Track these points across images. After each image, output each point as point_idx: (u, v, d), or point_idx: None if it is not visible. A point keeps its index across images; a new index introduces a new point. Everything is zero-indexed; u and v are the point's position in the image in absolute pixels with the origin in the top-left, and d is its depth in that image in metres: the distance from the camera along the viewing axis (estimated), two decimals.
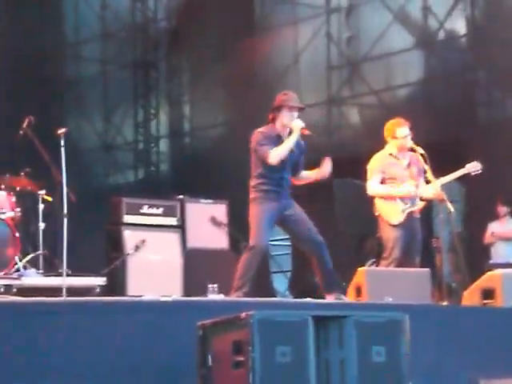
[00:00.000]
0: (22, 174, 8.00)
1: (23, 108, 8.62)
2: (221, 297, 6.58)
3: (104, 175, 13.71)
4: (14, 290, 7.14)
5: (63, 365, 4.92)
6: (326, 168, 6.47)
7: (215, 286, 6.83)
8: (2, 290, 7.07)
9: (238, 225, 8.67)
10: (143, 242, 8.26)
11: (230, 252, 8.59)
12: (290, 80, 11.55)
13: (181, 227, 8.61)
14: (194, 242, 8.60)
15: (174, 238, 8.54)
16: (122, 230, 8.34)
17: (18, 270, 7.44)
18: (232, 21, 11.89)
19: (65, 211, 6.67)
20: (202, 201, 8.84)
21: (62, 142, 6.97)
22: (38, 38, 11.64)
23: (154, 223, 8.52)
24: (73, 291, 6.91)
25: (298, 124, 6.35)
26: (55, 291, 6.76)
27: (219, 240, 8.65)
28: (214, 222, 8.65)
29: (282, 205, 6.41)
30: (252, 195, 6.44)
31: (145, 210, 8.55)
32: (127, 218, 8.41)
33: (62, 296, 6.47)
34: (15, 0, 11.74)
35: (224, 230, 8.67)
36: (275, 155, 6.32)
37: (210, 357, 4.71)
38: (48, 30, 12.18)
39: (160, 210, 8.60)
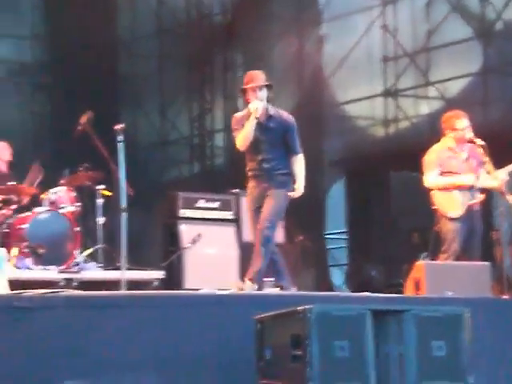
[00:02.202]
0: (81, 169, 8.12)
1: (81, 104, 8.71)
2: (277, 290, 6.57)
3: (160, 170, 13.80)
4: (75, 283, 7.25)
5: (122, 358, 4.97)
6: (295, 194, 6.35)
7: (271, 279, 6.83)
8: (63, 283, 7.18)
9: (293, 218, 8.66)
10: (199, 235, 8.31)
11: (285, 245, 8.58)
12: (344, 72, 11.47)
13: (236, 221, 8.64)
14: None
15: (229, 231, 8.57)
16: (178, 224, 8.40)
17: (78, 264, 7.55)
18: (285, 13, 11.86)
19: (123, 205, 6.74)
20: None
21: (120, 138, 7.04)
22: (94, 35, 11.76)
23: (210, 217, 8.56)
24: (132, 285, 7.00)
25: (252, 106, 6.21)
26: (114, 285, 6.86)
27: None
28: None
29: (263, 189, 6.31)
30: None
31: (201, 204, 8.60)
32: (183, 213, 8.47)
33: (121, 289, 6.55)
34: None
35: (279, 224, 8.66)
36: (238, 141, 6.26)
37: (268, 350, 4.71)
38: (105, 26, 12.31)
39: (216, 204, 8.64)
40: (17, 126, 11.45)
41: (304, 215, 8.56)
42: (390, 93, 11.43)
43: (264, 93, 6.28)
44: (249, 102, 6.28)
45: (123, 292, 6.26)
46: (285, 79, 12.07)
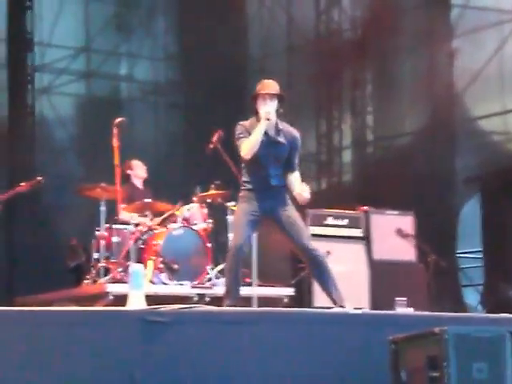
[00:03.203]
0: (213, 186, 8.26)
1: (212, 122, 8.88)
2: (410, 310, 6.46)
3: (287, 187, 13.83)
4: (207, 299, 7.37)
5: (254, 374, 5.01)
6: (302, 194, 5.93)
7: (404, 299, 6.72)
8: (196, 299, 7.32)
9: (425, 236, 8.51)
10: (328, 253, 8.27)
11: (417, 264, 8.43)
12: (477, 86, 11.20)
13: (366, 239, 8.57)
14: (380, 253, 8.53)
15: (359, 249, 8.51)
16: None
17: (210, 280, 7.68)
18: (416, 28, 11.70)
19: None
20: (388, 212, 8.75)
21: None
22: (225, 54, 11.98)
23: (339, 234, 8.52)
24: (262, 301, 7.05)
25: (264, 110, 5.87)
26: (245, 301, 6.92)
27: (406, 252, 8.52)
28: (401, 233, 8.53)
29: (268, 205, 5.93)
30: (239, 194, 6.09)
31: (329, 221, 8.58)
32: (312, 229, 8.46)
33: (252, 306, 6.60)
34: (203, 17, 12.16)
35: (411, 242, 8.53)
36: (245, 147, 5.88)
37: (403, 372, 4.64)
38: (235, 45, 12.51)
39: (345, 222, 8.60)
40: (151, 144, 11.80)
41: (436, 234, 8.41)
42: None
43: (275, 103, 5.98)
44: (257, 111, 5.99)
45: (255, 308, 6.31)
46: (415, 95, 11.90)
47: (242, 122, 6.06)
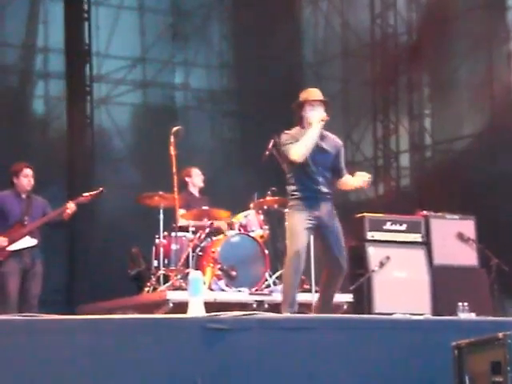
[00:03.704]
0: (269, 193, 8.27)
1: (268, 129, 8.90)
2: (472, 315, 6.36)
3: (345, 192, 13.78)
4: (266, 305, 7.37)
5: (312, 379, 4.98)
6: (360, 178, 6.06)
7: (466, 304, 6.63)
8: (255, 305, 7.33)
9: (486, 240, 8.37)
10: (388, 258, 8.20)
11: (479, 269, 8.30)
12: None
13: (426, 244, 8.46)
14: (440, 258, 8.41)
15: (419, 254, 8.41)
16: (365, 247, 8.34)
17: (268, 286, 7.67)
18: (473, 30, 11.56)
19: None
20: (448, 216, 8.63)
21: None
22: (279, 61, 11.99)
23: (398, 240, 8.44)
24: None
25: (314, 115, 5.93)
26: (305, 307, 6.90)
27: (468, 257, 8.39)
28: (462, 238, 8.41)
29: (318, 212, 6.01)
30: (289, 203, 6.11)
31: (388, 226, 8.50)
32: (371, 235, 8.40)
33: (310, 312, 6.58)
34: (257, 24, 12.19)
35: (472, 247, 8.40)
36: (297, 150, 5.90)
37: (467, 377, 4.58)
38: (289, 52, 12.52)
39: (403, 227, 8.51)
40: (207, 152, 11.86)
41: (498, 238, 8.29)
42: None
43: (322, 110, 6.07)
44: (301, 119, 6.06)
45: (314, 315, 6.28)
46: (473, 97, 11.75)
47: (287, 131, 6.15)
